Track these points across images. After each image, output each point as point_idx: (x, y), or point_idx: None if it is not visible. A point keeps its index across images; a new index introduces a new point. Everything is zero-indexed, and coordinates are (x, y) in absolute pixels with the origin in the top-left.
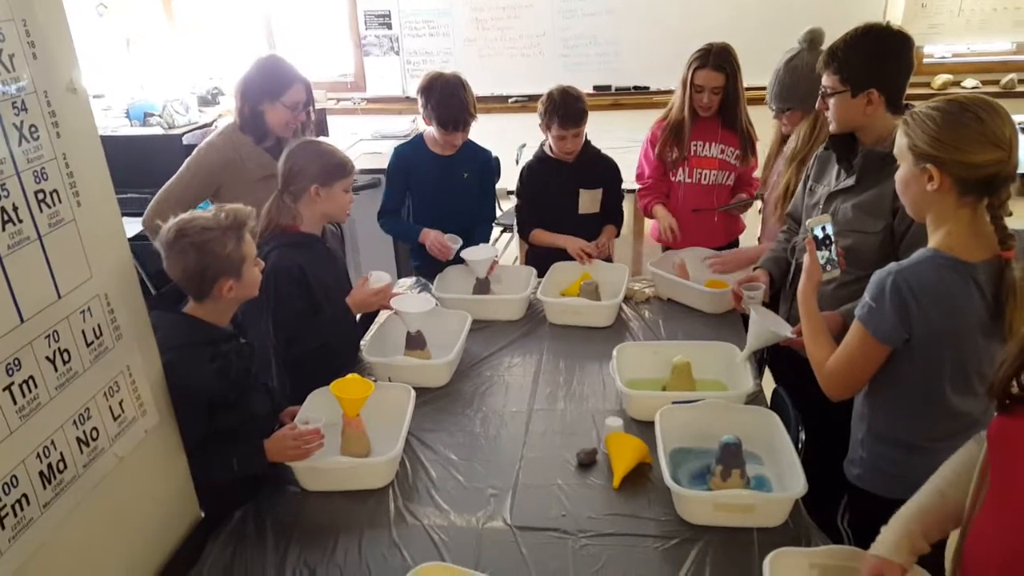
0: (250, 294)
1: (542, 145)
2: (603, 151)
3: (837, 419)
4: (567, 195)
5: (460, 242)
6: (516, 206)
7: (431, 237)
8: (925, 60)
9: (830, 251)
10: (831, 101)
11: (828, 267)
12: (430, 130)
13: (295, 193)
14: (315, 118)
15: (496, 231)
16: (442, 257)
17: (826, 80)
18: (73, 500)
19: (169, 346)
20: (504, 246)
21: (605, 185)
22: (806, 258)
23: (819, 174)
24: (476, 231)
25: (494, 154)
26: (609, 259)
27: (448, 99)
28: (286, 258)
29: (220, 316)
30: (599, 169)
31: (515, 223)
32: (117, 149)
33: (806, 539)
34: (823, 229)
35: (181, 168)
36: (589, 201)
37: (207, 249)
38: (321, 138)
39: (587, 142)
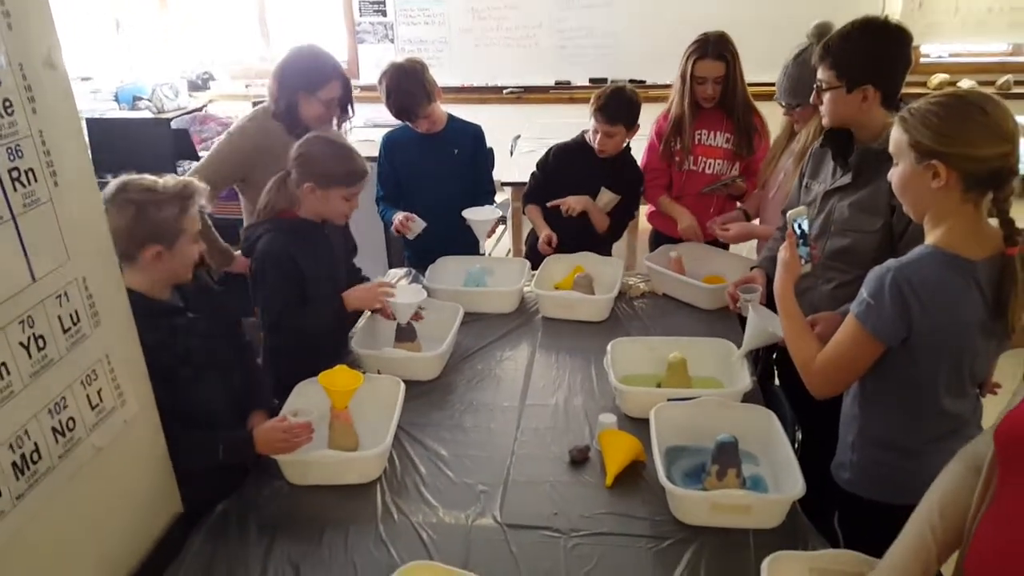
0: (180, 273)
1: (583, 132)
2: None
3: (833, 420)
4: (586, 187)
5: (424, 224)
6: (532, 174)
7: (398, 217)
8: (922, 59)
9: (807, 246)
10: (826, 95)
11: (802, 262)
12: None
13: (296, 181)
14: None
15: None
16: (399, 232)
17: (821, 74)
18: (47, 492)
19: None
20: (497, 238)
21: (626, 192)
22: (783, 251)
23: (815, 171)
24: (479, 205)
25: (488, 145)
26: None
27: (396, 91)
28: (276, 244)
29: (154, 288)
30: (626, 175)
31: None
32: (105, 132)
33: (803, 542)
34: (804, 222)
35: (211, 152)
36: (606, 201)
37: (144, 209)
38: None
39: (628, 148)
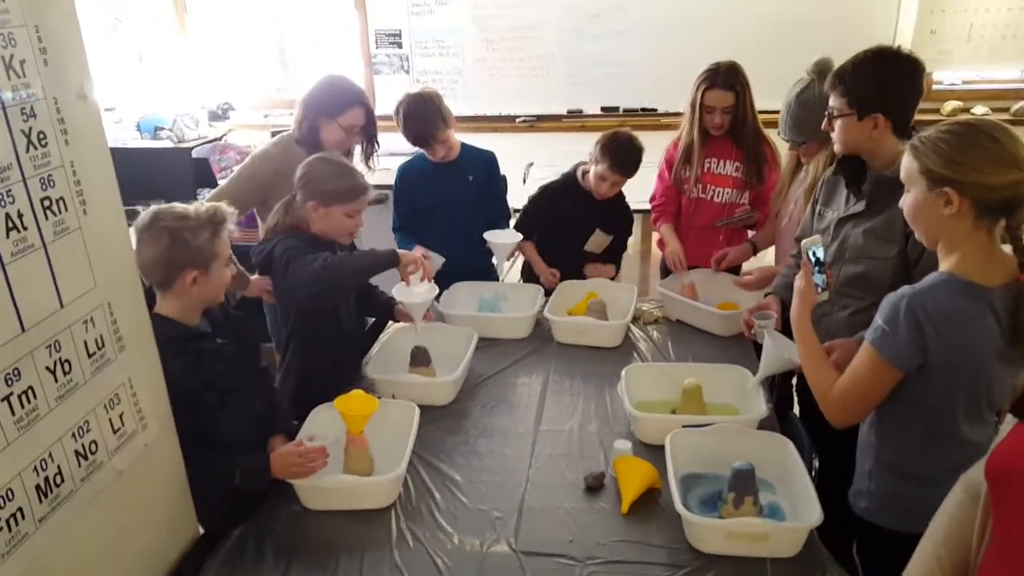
0: (214, 296)
1: (574, 169)
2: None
3: (851, 447)
4: (577, 226)
5: (442, 260)
6: (524, 209)
7: (418, 252)
8: (935, 86)
9: (822, 273)
10: (837, 123)
11: (818, 290)
12: None
13: (301, 202)
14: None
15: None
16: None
17: (833, 101)
18: (69, 515)
19: None
20: (508, 266)
21: (617, 234)
22: (799, 279)
23: (828, 198)
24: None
25: (501, 172)
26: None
27: (412, 119)
28: (294, 240)
29: (186, 314)
30: (616, 215)
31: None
32: (126, 161)
33: (821, 571)
34: (820, 250)
35: (232, 176)
36: (599, 242)
37: (179, 236)
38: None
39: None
